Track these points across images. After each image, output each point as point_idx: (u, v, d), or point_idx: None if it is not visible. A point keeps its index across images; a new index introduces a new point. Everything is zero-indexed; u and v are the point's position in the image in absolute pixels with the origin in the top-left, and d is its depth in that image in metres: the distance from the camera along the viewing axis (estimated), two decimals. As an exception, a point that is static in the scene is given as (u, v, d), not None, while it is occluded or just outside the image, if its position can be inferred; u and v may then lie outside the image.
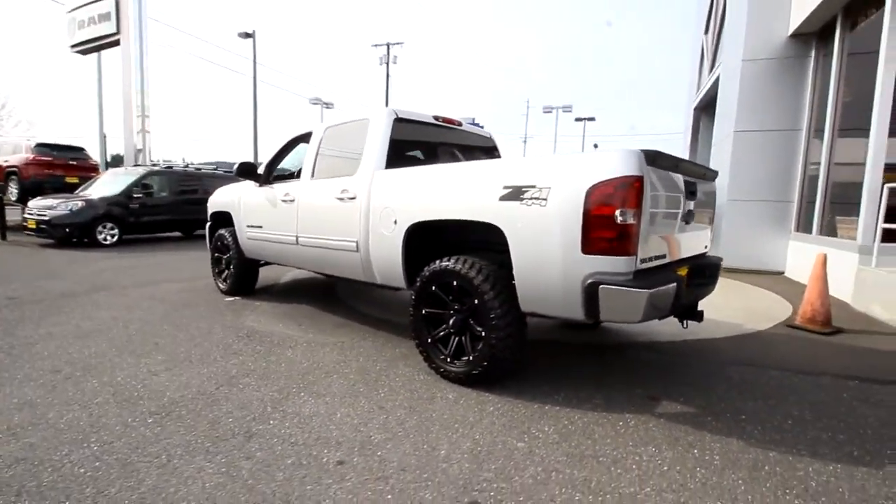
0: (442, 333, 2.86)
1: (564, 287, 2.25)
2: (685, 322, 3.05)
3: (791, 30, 6.78)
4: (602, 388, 2.76)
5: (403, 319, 4.29)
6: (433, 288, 2.86)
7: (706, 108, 11.01)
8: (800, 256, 6.62)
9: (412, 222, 2.95)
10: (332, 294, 5.41)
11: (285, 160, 4.71)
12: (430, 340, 2.91)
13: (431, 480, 1.82)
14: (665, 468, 1.94)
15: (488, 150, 4.39)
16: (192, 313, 4.32)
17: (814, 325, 4.01)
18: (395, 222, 3.06)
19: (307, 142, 4.62)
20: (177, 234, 11.24)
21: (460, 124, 4.10)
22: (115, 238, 9.11)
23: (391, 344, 3.54)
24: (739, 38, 7.20)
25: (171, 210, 10.21)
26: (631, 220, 2.10)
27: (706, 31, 11.09)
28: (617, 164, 2.12)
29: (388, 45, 33.77)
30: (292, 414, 2.36)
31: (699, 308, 3.02)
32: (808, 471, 1.93)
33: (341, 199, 3.52)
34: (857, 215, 5.25)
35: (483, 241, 2.85)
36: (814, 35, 6.66)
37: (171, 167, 10.55)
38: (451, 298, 2.81)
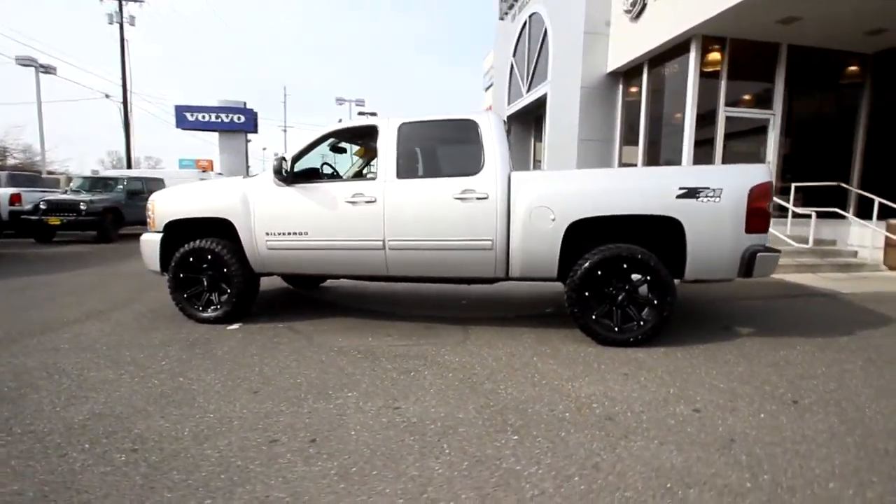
0: (606, 309, 3.44)
1: (731, 257, 3.24)
2: None
3: (608, 70, 9.42)
4: (693, 329, 3.87)
5: (464, 314, 4.52)
6: (598, 272, 3.40)
7: (520, 117, 13.64)
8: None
9: (575, 219, 3.37)
10: (331, 301, 4.93)
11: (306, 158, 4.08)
12: (594, 317, 3.44)
13: (758, 396, 2.55)
14: (800, 359, 3.18)
15: None
16: (236, 348, 3.40)
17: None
18: (553, 220, 3.40)
19: (347, 139, 4.21)
20: None
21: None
22: None
23: (513, 333, 3.81)
24: (576, 70, 9.50)
25: None
26: (770, 210, 3.25)
27: (514, 55, 13.65)
28: (762, 173, 3.23)
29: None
30: (593, 395, 2.61)
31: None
32: (853, 345, 3.51)
33: (463, 198, 3.54)
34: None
35: (631, 231, 3.53)
36: (621, 74, 9.47)
37: None
38: (613, 279, 3.41)
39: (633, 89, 9.29)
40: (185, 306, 4.09)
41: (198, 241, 3.99)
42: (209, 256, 3.98)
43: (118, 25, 26.52)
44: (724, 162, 7.73)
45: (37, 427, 2.27)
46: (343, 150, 4.74)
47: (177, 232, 4.13)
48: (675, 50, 7.98)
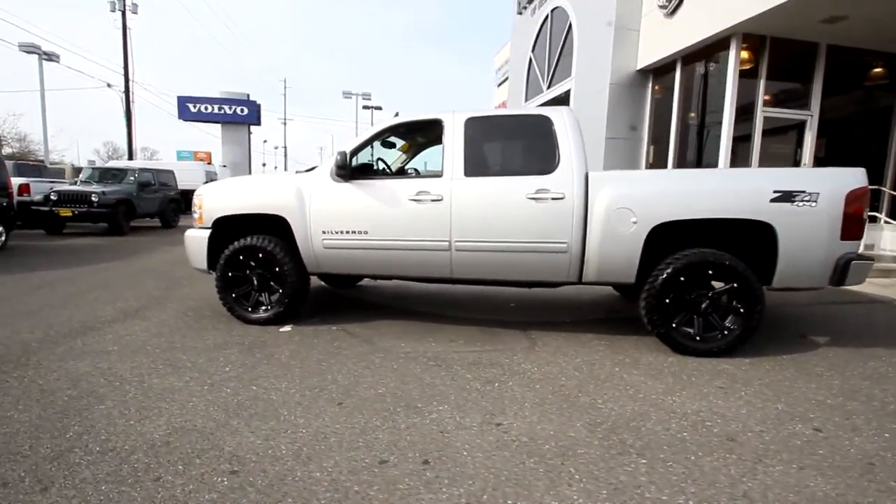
0: (686, 317, 3.28)
1: (824, 265, 3.08)
2: None
3: (638, 67, 9.24)
4: (770, 338, 3.70)
5: (519, 318, 4.37)
6: (681, 278, 3.24)
7: (538, 113, 13.41)
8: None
9: (659, 221, 3.20)
10: (374, 302, 4.75)
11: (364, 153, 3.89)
12: (674, 325, 3.29)
13: (873, 414, 2.41)
14: (893, 371, 3.04)
15: None
16: (298, 353, 3.22)
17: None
18: (635, 222, 3.24)
19: (405, 133, 4.02)
20: None
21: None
22: None
23: (579, 339, 3.64)
24: (605, 66, 9.30)
25: None
26: (866, 216, 3.10)
27: (533, 50, 13.43)
28: (859, 178, 3.07)
29: (121, -15, 26.28)
30: (700, 412, 2.45)
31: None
32: (928, 355, 3.39)
33: (537, 198, 3.36)
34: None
35: (711, 235, 3.36)
36: (651, 71, 9.29)
37: None
38: (695, 286, 3.25)
39: (664, 87, 9.11)
40: (233, 306, 3.90)
41: (249, 239, 3.80)
42: (260, 255, 3.79)
43: (120, 13, 26.01)
44: (760, 163, 7.59)
45: (115, 444, 2.09)
46: (393, 145, 4.54)
47: (223, 229, 3.94)
48: (711, 47, 7.80)
